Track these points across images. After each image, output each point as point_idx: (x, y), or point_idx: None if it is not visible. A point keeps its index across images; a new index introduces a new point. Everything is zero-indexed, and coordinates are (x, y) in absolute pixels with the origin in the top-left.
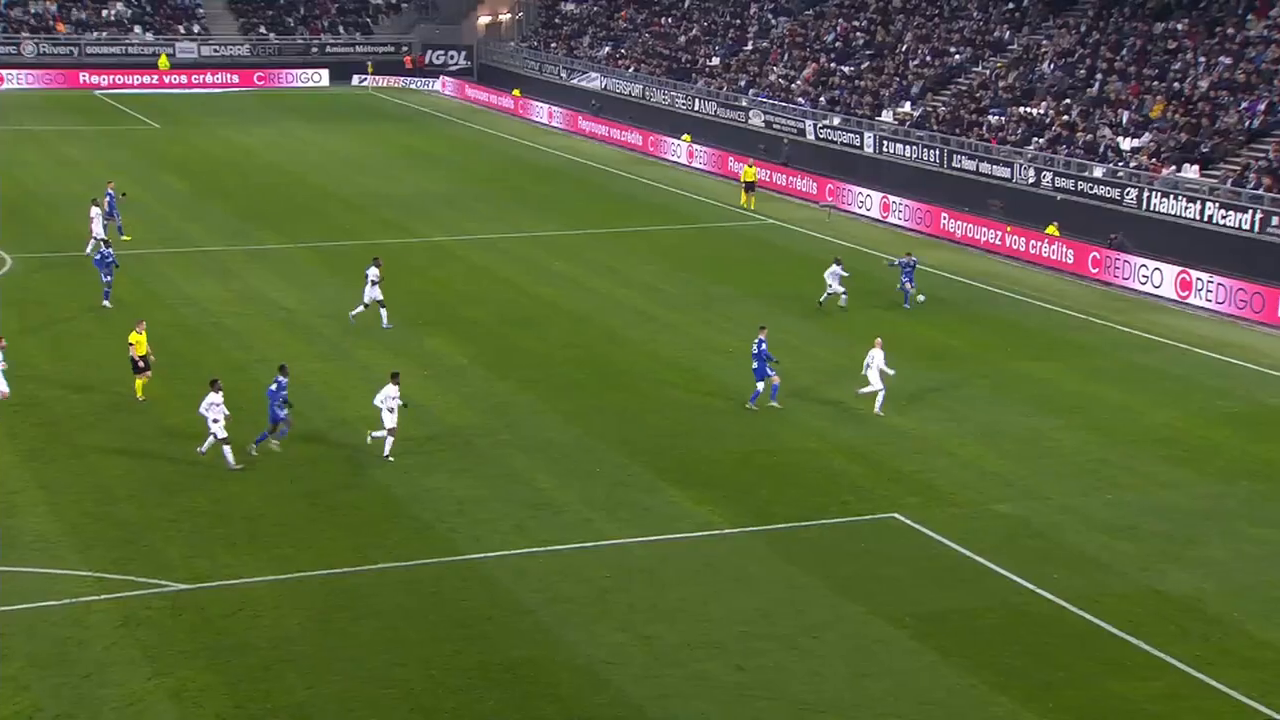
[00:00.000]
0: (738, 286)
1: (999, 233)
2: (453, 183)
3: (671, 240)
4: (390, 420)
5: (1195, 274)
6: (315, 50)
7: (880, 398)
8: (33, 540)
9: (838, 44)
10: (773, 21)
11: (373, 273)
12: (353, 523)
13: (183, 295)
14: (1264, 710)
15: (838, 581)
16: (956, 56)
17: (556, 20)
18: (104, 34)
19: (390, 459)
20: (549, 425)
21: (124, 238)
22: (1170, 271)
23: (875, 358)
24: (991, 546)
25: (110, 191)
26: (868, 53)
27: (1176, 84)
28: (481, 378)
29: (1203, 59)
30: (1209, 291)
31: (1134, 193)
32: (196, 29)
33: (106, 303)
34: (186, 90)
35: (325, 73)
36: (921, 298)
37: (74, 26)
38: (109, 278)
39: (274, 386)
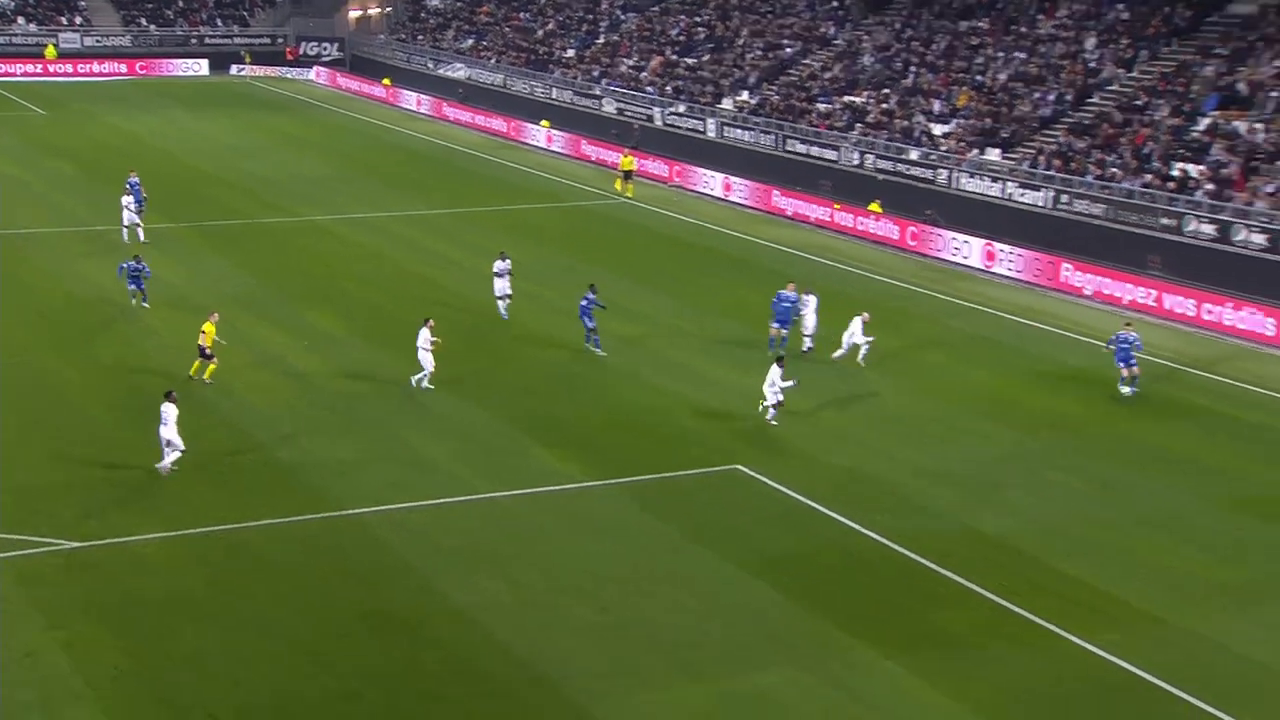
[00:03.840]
0: (593, 260)
1: (828, 210)
2: (329, 166)
3: (532, 218)
4: (777, 395)
5: (999, 246)
6: (195, 41)
7: (862, 352)
8: None
9: (681, 38)
10: (622, 17)
11: (499, 265)
12: (241, 485)
13: (74, 272)
14: (1063, 634)
15: (689, 528)
16: (788, 50)
17: (422, 14)
18: None
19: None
20: (422, 391)
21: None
22: (977, 244)
23: (855, 326)
24: (826, 494)
25: (132, 180)
26: (708, 46)
27: (979, 76)
28: (359, 347)
29: (1001, 54)
30: (1011, 261)
31: (945, 173)
32: (79, 20)
33: (146, 304)
34: (72, 79)
35: (205, 62)
36: (1127, 390)
37: None
38: (133, 286)
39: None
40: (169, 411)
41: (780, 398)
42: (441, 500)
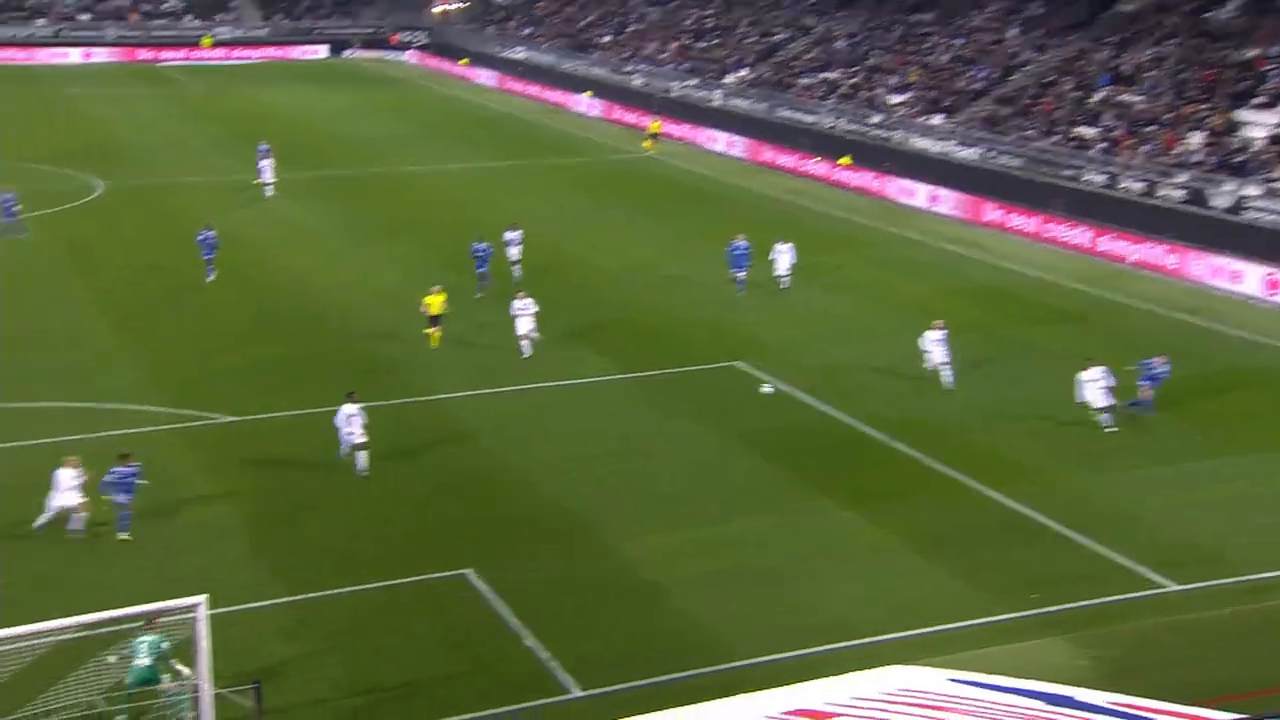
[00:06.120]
0: (619, 200)
1: (808, 162)
2: (417, 127)
3: (575, 169)
4: (1109, 398)
5: (940, 190)
6: (317, 31)
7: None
8: (126, 386)
9: (693, 27)
10: (647, 11)
11: (510, 234)
12: (352, 373)
13: (222, 211)
14: (973, 485)
15: (694, 410)
16: (778, 36)
17: (491, 8)
18: (164, 21)
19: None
20: (495, 307)
21: (254, 182)
22: (923, 189)
23: (929, 339)
24: (803, 383)
25: (262, 146)
26: (715, 33)
27: (927, 58)
28: (434, 268)
29: (944, 41)
30: (949, 203)
31: (900, 134)
32: (230, 16)
33: (213, 275)
34: (223, 61)
35: (325, 48)
36: (1138, 409)
37: (143, 15)
38: (207, 255)
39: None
40: (350, 411)
41: (1106, 401)
42: (505, 389)
